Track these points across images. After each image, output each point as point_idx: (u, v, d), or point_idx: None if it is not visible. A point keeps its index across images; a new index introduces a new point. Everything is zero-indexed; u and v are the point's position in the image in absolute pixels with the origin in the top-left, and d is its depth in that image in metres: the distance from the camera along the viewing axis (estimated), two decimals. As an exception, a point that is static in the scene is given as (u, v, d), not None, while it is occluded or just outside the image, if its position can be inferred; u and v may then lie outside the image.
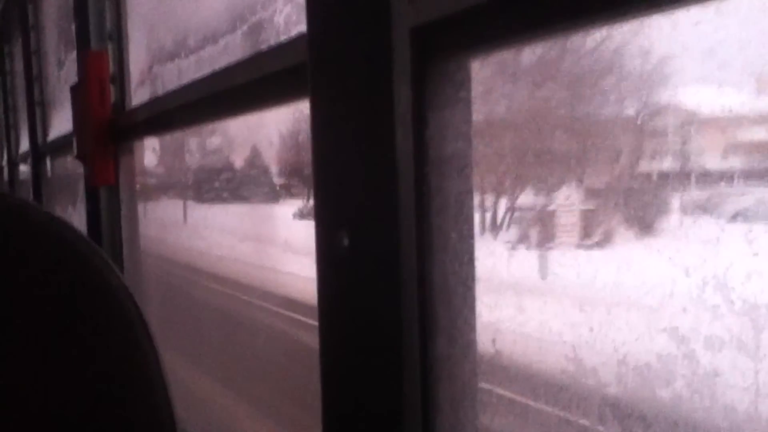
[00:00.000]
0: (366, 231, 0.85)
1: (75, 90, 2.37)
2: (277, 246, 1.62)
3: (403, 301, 0.80)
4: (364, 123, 0.84)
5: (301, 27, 0.97)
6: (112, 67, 2.28)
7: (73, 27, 2.54)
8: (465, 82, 0.80)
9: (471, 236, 0.81)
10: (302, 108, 1.02)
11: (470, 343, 0.79)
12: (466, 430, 0.79)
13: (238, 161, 1.85)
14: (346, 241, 0.87)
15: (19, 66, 4.72)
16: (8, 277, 0.39)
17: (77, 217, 2.92)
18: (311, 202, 0.96)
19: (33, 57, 3.99)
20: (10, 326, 0.38)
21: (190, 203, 2.19)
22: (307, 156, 0.99)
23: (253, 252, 1.80)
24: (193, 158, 2.11)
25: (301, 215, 1.51)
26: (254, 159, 1.74)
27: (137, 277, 2.39)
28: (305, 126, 1.01)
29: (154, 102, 1.92)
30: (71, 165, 3.08)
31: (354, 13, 0.85)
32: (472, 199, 0.81)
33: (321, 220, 0.92)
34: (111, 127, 2.23)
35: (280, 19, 1.23)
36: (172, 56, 1.84)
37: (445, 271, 0.80)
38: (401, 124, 0.79)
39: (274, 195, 1.71)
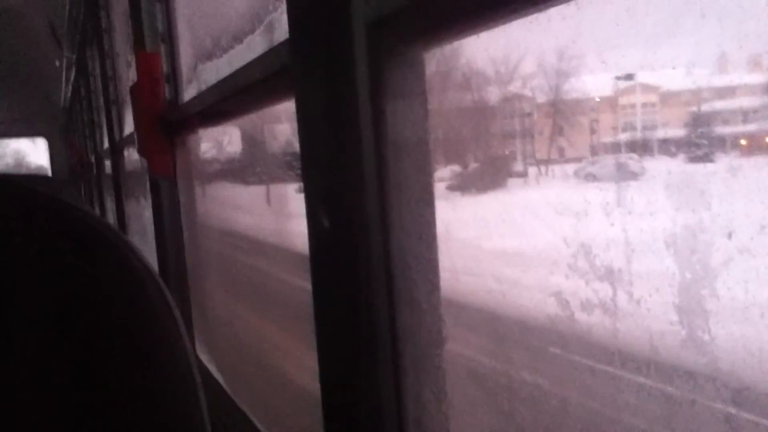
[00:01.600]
0: (341, 213, 0.93)
1: (133, 89, 2.55)
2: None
3: (372, 274, 0.88)
4: (335, 115, 0.92)
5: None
6: (165, 67, 2.45)
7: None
8: (419, 72, 0.87)
9: (431, 208, 0.88)
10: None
11: (433, 308, 0.87)
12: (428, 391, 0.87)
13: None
14: (326, 222, 0.96)
15: (99, 68, 5.04)
16: (31, 263, 0.40)
17: (147, 204, 3.14)
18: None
19: (107, 59, 4.26)
20: (29, 311, 0.39)
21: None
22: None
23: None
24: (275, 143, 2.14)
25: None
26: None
27: (197, 259, 2.56)
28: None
29: (193, 100, 2.06)
30: (143, 159, 3.30)
31: (323, 14, 0.92)
32: (430, 175, 0.88)
33: (308, 204, 1.01)
34: (165, 122, 2.39)
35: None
36: (210, 55, 1.97)
37: (405, 246, 0.87)
38: (363, 114, 0.86)
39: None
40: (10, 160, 11.58)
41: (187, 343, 0.45)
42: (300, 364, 1.67)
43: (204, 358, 2.38)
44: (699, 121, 0.65)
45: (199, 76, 2.17)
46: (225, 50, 1.81)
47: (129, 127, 3.91)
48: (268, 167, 2.03)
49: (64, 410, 0.40)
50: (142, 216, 3.55)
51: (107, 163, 5.57)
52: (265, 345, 2.04)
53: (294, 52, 0.99)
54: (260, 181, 2.13)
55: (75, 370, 0.40)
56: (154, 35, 2.47)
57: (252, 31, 1.52)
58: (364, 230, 0.88)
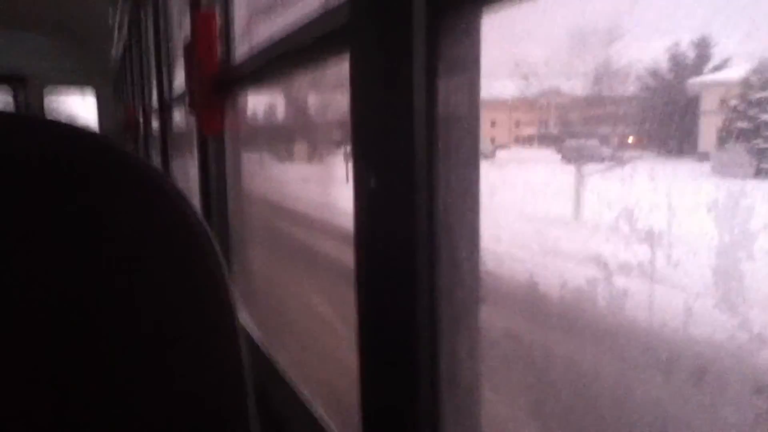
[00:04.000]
0: (388, 172, 0.95)
1: (187, 48, 2.60)
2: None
3: (416, 233, 0.90)
4: (389, 77, 0.94)
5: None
6: (219, 26, 2.48)
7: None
8: (475, 36, 0.88)
9: (477, 170, 0.90)
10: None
11: (473, 267, 0.89)
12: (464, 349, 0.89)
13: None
14: (373, 182, 0.98)
15: (151, 26, 5.12)
16: (90, 211, 0.41)
17: (193, 163, 3.21)
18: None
19: (160, 17, 4.32)
20: (87, 262, 0.40)
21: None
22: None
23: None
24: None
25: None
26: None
27: (241, 219, 2.62)
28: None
29: (246, 60, 2.09)
30: (189, 118, 3.36)
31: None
32: (477, 142, 0.89)
33: (356, 164, 1.04)
34: (217, 82, 2.44)
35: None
36: (266, 13, 1.99)
37: (449, 207, 0.89)
38: (417, 75, 0.88)
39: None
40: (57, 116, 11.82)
41: (233, 297, 0.46)
42: (338, 323, 1.71)
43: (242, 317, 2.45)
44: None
45: (252, 37, 2.20)
46: (280, 10, 1.83)
47: (179, 86, 3.98)
48: (315, 132, 2.06)
49: (102, 359, 0.41)
50: (187, 175, 3.63)
51: (154, 124, 5.69)
52: (303, 305, 2.09)
53: (353, 11, 1.01)
54: (308, 147, 2.16)
55: (116, 312, 0.41)
56: (210, -6, 2.50)
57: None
58: (410, 190, 0.90)
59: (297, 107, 2.11)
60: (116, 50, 9.85)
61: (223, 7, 2.49)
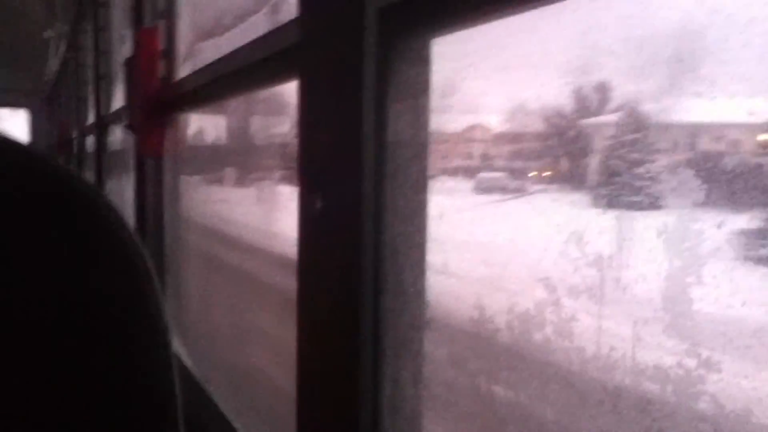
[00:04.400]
0: (334, 194, 0.94)
1: (128, 63, 2.54)
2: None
3: (362, 255, 0.89)
4: (338, 98, 0.93)
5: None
6: (163, 43, 2.44)
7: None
8: (425, 62, 0.88)
9: (424, 194, 0.89)
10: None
11: (419, 291, 0.88)
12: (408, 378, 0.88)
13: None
14: (319, 204, 0.97)
15: (91, 42, 5.00)
16: (16, 223, 0.39)
17: (129, 185, 3.12)
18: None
19: (100, 33, 4.22)
20: (8, 275, 0.38)
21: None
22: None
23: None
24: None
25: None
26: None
27: (177, 243, 2.55)
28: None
29: (190, 77, 2.05)
30: (128, 137, 3.27)
31: (335, -4, 0.93)
32: (426, 167, 0.89)
33: (302, 184, 1.02)
34: (158, 100, 2.38)
35: None
36: (210, 34, 1.96)
37: (396, 234, 0.88)
38: (367, 98, 0.88)
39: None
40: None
41: (166, 319, 0.44)
42: (275, 347, 1.67)
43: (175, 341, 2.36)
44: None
45: (196, 55, 2.16)
46: (226, 29, 1.81)
47: (117, 103, 3.88)
48: (257, 156, 2.03)
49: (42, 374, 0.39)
50: (122, 196, 3.52)
51: (89, 141, 5.52)
52: (242, 327, 2.03)
53: (303, 31, 1.00)
54: (250, 171, 2.12)
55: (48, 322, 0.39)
56: (155, 10, 2.46)
57: (256, 11, 1.53)
58: (357, 213, 0.89)
59: (239, 128, 2.08)
60: (51, 66, 9.56)
61: (166, 24, 2.44)
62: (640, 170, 0.68)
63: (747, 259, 0.51)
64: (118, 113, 3.54)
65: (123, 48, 3.48)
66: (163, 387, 0.43)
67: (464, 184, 0.98)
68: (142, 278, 0.43)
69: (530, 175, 0.89)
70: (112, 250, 0.42)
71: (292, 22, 1.10)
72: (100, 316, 0.41)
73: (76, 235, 0.41)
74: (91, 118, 5.09)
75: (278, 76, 1.22)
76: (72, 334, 0.39)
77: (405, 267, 0.88)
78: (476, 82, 0.90)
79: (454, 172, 1.04)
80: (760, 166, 0.54)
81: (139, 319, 0.43)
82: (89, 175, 5.43)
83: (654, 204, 0.62)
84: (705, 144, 0.64)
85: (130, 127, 2.63)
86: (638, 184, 0.67)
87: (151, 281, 0.44)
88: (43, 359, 0.38)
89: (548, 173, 0.86)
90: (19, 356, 0.38)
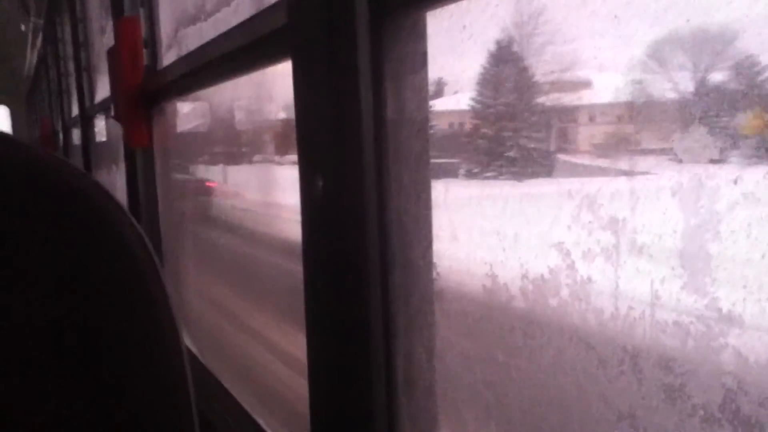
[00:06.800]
0: (336, 173, 0.94)
1: (111, 54, 2.50)
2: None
3: (367, 234, 0.89)
4: (334, 77, 0.92)
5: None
6: (144, 32, 2.40)
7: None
8: (420, 34, 0.87)
9: (428, 169, 0.89)
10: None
11: (422, 271, 0.88)
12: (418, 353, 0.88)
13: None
14: (320, 183, 0.96)
15: (69, 34, 4.92)
16: (17, 219, 0.38)
17: (120, 177, 3.09)
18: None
19: (79, 25, 4.16)
20: (10, 271, 0.37)
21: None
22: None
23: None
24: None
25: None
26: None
27: (172, 229, 2.53)
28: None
29: (175, 63, 2.03)
30: (115, 129, 3.23)
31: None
32: (427, 143, 0.89)
33: (302, 165, 1.02)
34: (143, 90, 2.35)
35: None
36: (194, 20, 1.94)
37: (402, 211, 0.88)
38: (363, 76, 0.87)
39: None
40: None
41: (170, 299, 0.44)
42: (284, 330, 1.67)
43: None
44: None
45: (180, 42, 2.13)
46: (210, 14, 1.79)
47: (101, 94, 3.83)
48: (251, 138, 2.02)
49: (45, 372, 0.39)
50: (114, 187, 3.49)
51: (75, 134, 5.46)
52: (246, 314, 2.04)
53: (292, 10, 0.99)
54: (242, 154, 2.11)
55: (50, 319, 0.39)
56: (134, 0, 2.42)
57: (241, -5, 1.51)
58: (359, 191, 0.89)
59: (232, 113, 2.06)
60: (30, 61, 9.42)
61: (147, 13, 2.41)
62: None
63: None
64: (104, 104, 3.50)
65: (104, 38, 3.43)
66: (174, 377, 0.42)
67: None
68: (143, 264, 0.42)
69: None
70: (110, 239, 0.42)
71: (281, 2, 1.08)
72: (104, 307, 0.40)
73: (74, 226, 0.41)
74: (75, 111, 5.03)
75: (270, 57, 1.21)
76: (76, 328, 0.39)
77: (413, 242, 0.88)
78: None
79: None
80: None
81: (145, 308, 0.42)
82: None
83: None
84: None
85: (116, 117, 2.60)
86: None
87: (153, 266, 0.43)
88: (48, 356, 0.38)
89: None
90: (24, 353, 0.38)
